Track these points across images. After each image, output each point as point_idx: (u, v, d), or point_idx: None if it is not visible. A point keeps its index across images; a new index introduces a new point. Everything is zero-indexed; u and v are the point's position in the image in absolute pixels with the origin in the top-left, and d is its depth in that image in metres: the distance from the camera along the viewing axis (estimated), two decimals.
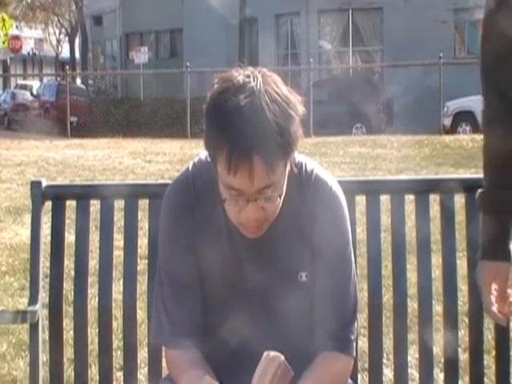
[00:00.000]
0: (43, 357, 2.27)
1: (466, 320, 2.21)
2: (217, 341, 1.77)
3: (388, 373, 2.43)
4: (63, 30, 39.80)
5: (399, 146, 13.10)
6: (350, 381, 1.84)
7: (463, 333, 2.27)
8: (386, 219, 2.24)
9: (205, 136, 1.64)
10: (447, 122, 18.52)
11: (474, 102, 15.91)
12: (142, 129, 19.30)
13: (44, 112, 24.39)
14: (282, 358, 1.59)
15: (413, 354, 2.30)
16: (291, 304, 1.75)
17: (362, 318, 2.31)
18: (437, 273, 2.25)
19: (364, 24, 24.55)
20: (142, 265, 2.29)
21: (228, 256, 1.76)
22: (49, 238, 2.27)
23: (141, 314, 2.28)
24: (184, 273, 1.76)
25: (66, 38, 39.74)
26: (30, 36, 43.14)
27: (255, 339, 1.74)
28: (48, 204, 2.30)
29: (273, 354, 1.59)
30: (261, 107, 1.57)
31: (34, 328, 2.25)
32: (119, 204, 2.29)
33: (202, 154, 1.78)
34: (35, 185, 2.29)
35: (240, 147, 1.56)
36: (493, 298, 1.78)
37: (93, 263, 2.30)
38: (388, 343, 2.29)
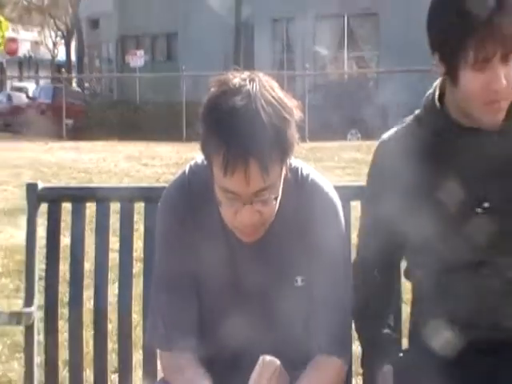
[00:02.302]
0: (38, 359, 2.27)
1: None
2: (214, 343, 1.77)
3: None
4: (59, 33, 39.74)
5: None
6: None
7: None
8: None
9: (201, 138, 1.65)
10: None
11: None
12: (138, 132, 19.26)
13: (40, 114, 24.33)
14: (278, 362, 1.59)
15: None
16: (288, 307, 1.74)
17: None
18: None
19: (360, 29, 24.56)
20: (138, 267, 2.29)
21: (225, 259, 1.76)
22: (44, 240, 2.27)
23: (136, 317, 2.27)
24: (180, 275, 1.76)
25: (63, 41, 39.68)
26: (26, 38, 43.09)
27: (253, 342, 1.74)
28: (43, 206, 2.30)
29: (269, 358, 1.59)
30: (256, 110, 1.58)
31: (29, 330, 2.25)
32: (115, 207, 2.29)
33: (199, 157, 1.78)
34: (31, 187, 2.29)
35: (236, 149, 1.56)
36: None
37: (88, 266, 2.30)
38: None
